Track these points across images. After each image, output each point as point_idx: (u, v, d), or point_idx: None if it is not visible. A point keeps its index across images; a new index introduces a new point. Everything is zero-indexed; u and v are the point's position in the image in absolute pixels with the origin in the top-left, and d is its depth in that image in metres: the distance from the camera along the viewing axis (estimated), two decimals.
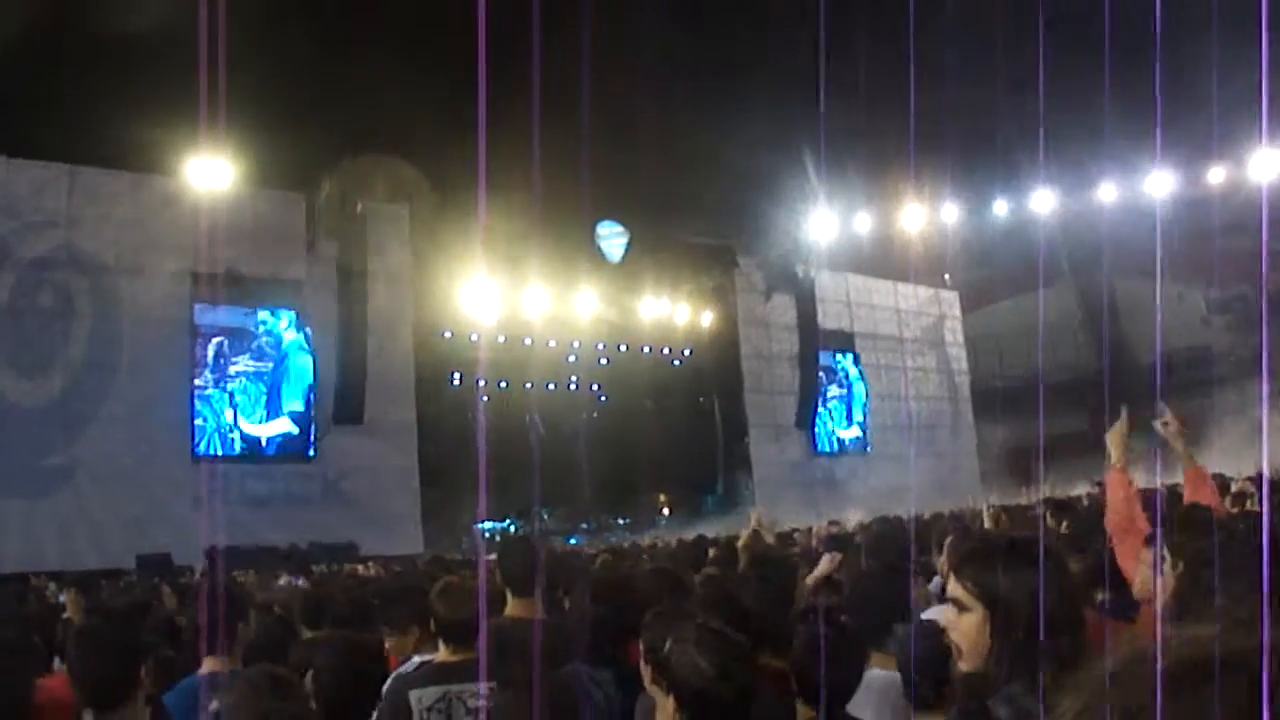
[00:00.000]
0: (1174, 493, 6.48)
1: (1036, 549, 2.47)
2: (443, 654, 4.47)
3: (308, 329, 24.30)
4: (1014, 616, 2.41)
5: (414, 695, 4.24)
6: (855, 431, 35.05)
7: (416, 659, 4.59)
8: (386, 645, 4.87)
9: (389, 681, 4.27)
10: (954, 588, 2.56)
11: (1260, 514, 6.10)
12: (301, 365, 24.36)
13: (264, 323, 24.11)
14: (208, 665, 4.70)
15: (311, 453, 24.32)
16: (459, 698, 4.33)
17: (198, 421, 23.17)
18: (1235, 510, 7.11)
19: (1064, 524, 7.79)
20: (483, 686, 4.38)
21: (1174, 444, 5.52)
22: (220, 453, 23.33)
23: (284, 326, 24.29)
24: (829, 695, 3.52)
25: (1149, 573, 4.17)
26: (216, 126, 18.82)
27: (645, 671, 3.14)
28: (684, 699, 2.97)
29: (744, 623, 3.71)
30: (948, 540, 5.73)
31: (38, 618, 8.01)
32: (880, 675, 3.92)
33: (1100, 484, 14.40)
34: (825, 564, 6.39)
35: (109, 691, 3.62)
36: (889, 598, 4.28)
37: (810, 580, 6.24)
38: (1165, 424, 5.49)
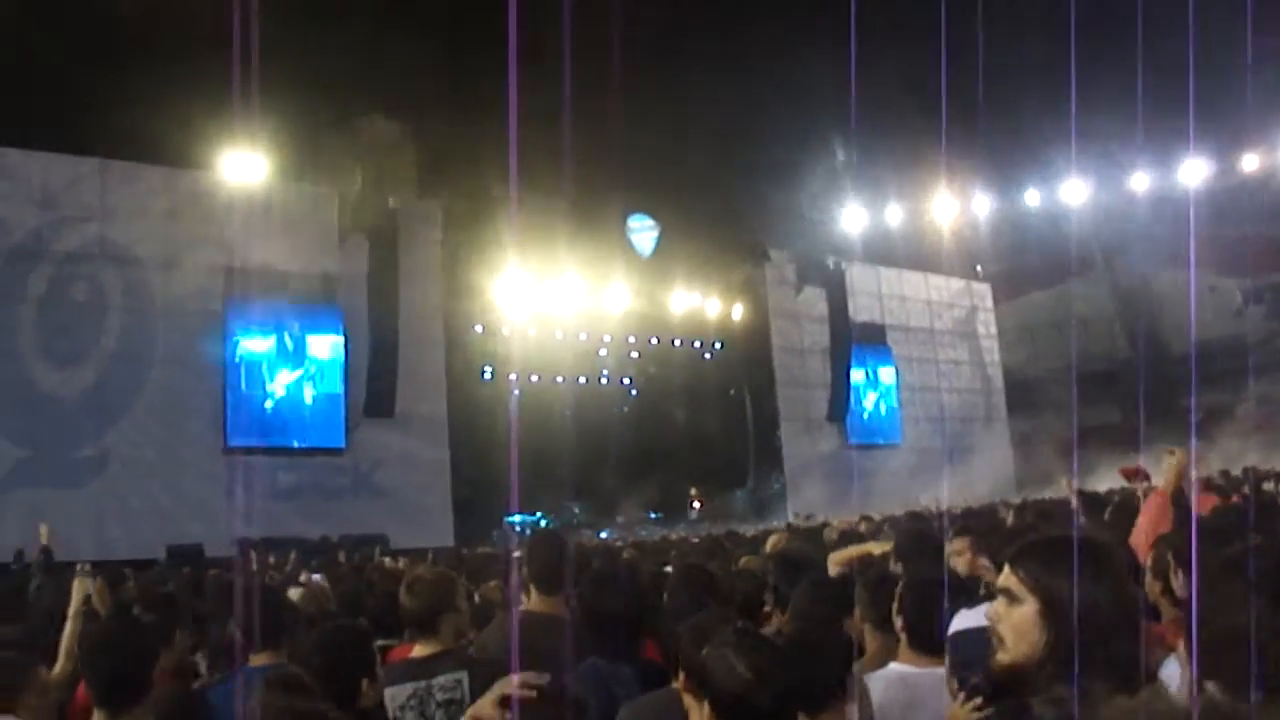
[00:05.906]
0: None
1: (1099, 551, 2.45)
2: (416, 649, 4.51)
3: (340, 322, 24.34)
4: (1070, 614, 2.36)
5: (388, 694, 4.27)
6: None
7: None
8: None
9: None
10: (1008, 579, 2.49)
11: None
12: (333, 358, 24.43)
13: (296, 316, 24.15)
14: (257, 660, 4.76)
15: (343, 445, 24.40)
16: (429, 692, 4.36)
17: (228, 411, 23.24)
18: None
19: (1104, 516, 7.68)
20: (450, 679, 4.42)
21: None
22: (252, 443, 23.40)
23: (316, 321, 24.33)
24: None
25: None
26: (250, 121, 18.92)
27: (678, 678, 3.10)
28: (720, 705, 2.92)
29: None
30: (966, 535, 5.61)
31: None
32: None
33: (1128, 472, 14.29)
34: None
35: (122, 692, 3.64)
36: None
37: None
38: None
